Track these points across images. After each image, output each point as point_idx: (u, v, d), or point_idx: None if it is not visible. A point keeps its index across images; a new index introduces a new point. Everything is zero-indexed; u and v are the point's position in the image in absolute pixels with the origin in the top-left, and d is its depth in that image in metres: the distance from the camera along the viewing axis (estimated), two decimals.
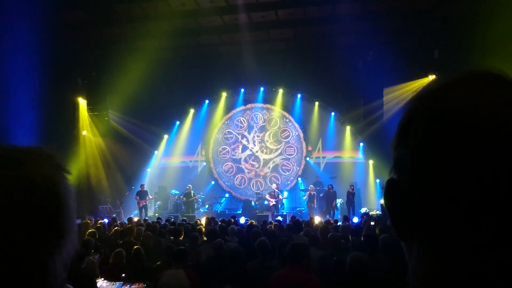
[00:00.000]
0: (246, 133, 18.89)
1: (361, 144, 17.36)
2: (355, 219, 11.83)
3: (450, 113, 0.48)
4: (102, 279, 4.71)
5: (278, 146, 18.61)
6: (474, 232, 0.45)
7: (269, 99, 18.63)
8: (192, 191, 16.03)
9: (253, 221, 10.78)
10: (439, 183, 0.47)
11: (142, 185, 16.01)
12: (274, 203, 15.34)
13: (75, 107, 16.22)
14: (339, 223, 9.67)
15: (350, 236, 7.28)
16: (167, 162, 18.96)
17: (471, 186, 0.45)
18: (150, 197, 16.12)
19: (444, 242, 0.48)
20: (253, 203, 16.89)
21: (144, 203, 15.50)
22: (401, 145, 0.53)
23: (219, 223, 9.91)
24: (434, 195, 0.48)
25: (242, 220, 12.03)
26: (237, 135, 18.92)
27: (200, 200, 16.74)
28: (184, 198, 15.94)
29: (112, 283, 4.60)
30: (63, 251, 0.66)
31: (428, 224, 0.49)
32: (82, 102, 16.32)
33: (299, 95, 18.09)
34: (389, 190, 0.55)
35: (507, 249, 0.45)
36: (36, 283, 0.62)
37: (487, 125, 0.46)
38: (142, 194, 15.59)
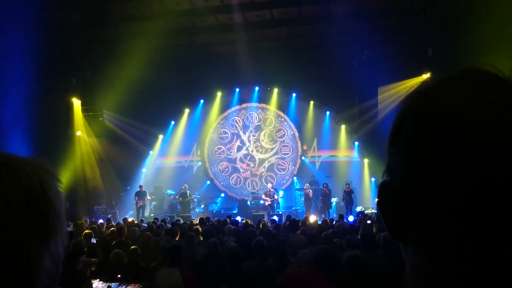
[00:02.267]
0: (241, 133, 18.88)
1: (356, 143, 17.40)
2: (351, 218, 11.86)
3: (444, 113, 0.48)
4: (98, 280, 4.69)
5: (274, 146, 18.61)
6: (470, 233, 0.45)
7: (264, 99, 18.62)
8: (188, 191, 16.02)
9: (249, 221, 10.78)
10: (433, 184, 0.47)
11: (140, 186, 15.99)
12: (270, 202, 15.34)
13: (69, 107, 16.15)
14: (334, 222, 9.70)
15: (345, 234, 7.29)
16: (162, 162, 18.91)
17: (467, 187, 0.45)
18: (149, 197, 16.10)
19: (439, 243, 0.47)
20: (248, 202, 16.88)
21: (142, 204, 15.49)
22: (394, 146, 0.53)
23: (213, 222, 9.91)
24: (429, 196, 0.47)
25: (238, 219, 12.03)
26: (232, 135, 18.91)
27: (195, 200, 16.72)
28: (180, 198, 15.92)
29: (108, 284, 4.58)
30: (52, 249, 0.69)
31: (422, 225, 0.49)
32: (76, 102, 16.24)
33: (294, 95, 18.09)
34: (382, 192, 0.54)
35: (503, 249, 0.44)
36: (25, 279, 0.65)
37: (482, 124, 0.45)
38: (140, 195, 15.59)
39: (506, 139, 0.45)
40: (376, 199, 0.55)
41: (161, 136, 18.60)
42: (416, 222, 0.50)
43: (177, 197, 16.35)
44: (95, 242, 7.56)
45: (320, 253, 3.90)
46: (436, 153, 0.47)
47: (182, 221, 11.23)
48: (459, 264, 0.46)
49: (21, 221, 0.65)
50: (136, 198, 15.56)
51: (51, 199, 0.70)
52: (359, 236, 6.12)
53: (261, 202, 15.92)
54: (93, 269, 5.63)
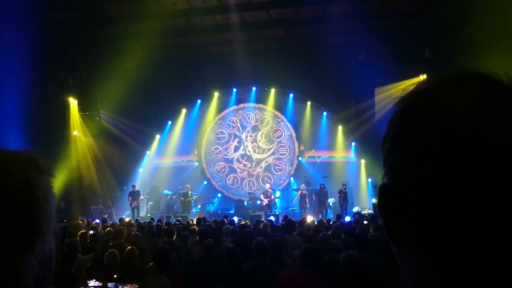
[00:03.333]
0: (238, 133, 18.88)
1: (353, 144, 17.43)
2: (347, 218, 11.87)
3: (445, 115, 0.48)
4: (94, 280, 4.67)
5: (271, 146, 18.62)
6: (471, 234, 0.45)
7: (261, 99, 18.62)
8: (189, 191, 16.01)
9: (247, 222, 10.76)
10: (435, 185, 0.47)
11: (133, 186, 15.93)
12: (267, 202, 15.34)
13: (66, 107, 16.09)
14: (331, 223, 9.70)
15: (342, 235, 7.29)
16: (159, 162, 18.88)
17: (468, 188, 0.45)
18: (142, 197, 16.05)
19: (440, 244, 0.48)
20: (245, 203, 16.88)
21: (136, 204, 15.43)
22: (395, 149, 0.53)
23: (210, 222, 9.90)
24: (430, 198, 0.48)
25: (235, 220, 12.02)
26: (229, 135, 18.90)
27: (192, 201, 16.71)
28: (182, 198, 15.91)
29: (104, 283, 4.56)
30: (39, 251, 0.66)
31: (424, 227, 0.49)
32: (73, 102, 16.18)
33: (291, 95, 18.11)
34: (383, 195, 0.54)
35: (504, 251, 0.45)
36: (7, 281, 0.62)
37: (483, 126, 0.46)
38: (134, 195, 15.51)
39: (506, 140, 0.45)
40: (376, 202, 0.55)
41: (158, 136, 18.58)
42: (418, 224, 0.50)
43: (174, 197, 16.34)
44: (92, 233, 7.55)
45: (305, 252, 3.87)
46: (437, 154, 0.47)
47: (181, 220, 11.25)
48: (459, 265, 0.46)
49: (3, 224, 0.62)
50: (130, 198, 15.49)
51: (38, 199, 0.66)
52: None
53: (258, 202, 15.92)
54: (88, 265, 5.61)
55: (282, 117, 18.59)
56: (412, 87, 0.55)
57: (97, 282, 4.58)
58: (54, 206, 0.70)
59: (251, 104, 18.81)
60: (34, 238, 0.65)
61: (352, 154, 17.62)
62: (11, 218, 0.63)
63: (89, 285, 4.38)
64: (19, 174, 0.65)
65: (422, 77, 13.69)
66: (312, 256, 3.82)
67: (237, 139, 18.83)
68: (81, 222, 10.61)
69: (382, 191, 0.55)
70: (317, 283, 3.72)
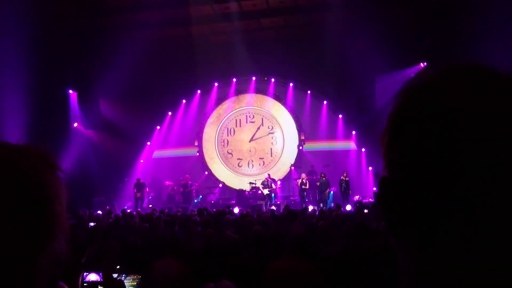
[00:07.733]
0: (239, 123, 18.84)
1: (354, 132, 17.41)
2: (348, 207, 11.91)
3: (446, 114, 0.48)
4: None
5: (271, 135, 18.58)
6: (472, 229, 0.45)
7: (261, 89, 18.56)
8: (189, 181, 16.06)
9: (248, 211, 10.80)
10: (439, 183, 0.47)
11: (138, 179, 15.96)
12: (267, 192, 15.39)
13: (65, 99, 16.08)
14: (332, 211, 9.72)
15: (343, 224, 7.32)
16: (160, 153, 18.90)
17: (471, 184, 0.45)
18: (148, 189, 16.12)
19: (440, 239, 0.48)
20: (247, 192, 16.91)
21: (140, 195, 15.51)
22: (396, 144, 0.53)
23: (211, 212, 9.94)
24: (432, 193, 0.48)
25: (236, 210, 12.06)
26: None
27: (193, 191, 16.76)
28: (181, 189, 15.98)
29: (107, 275, 4.59)
30: (49, 251, 0.65)
31: (423, 222, 0.49)
32: (72, 94, 16.17)
33: (291, 84, 18.06)
34: (383, 188, 0.54)
35: (506, 247, 0.44)
36: (19, 283, 0.61)
37: (485, 124, 0.46)
38: (139, 187, 15.60)
39: (506, 134, 0.45)
40: (377, 195, 0.55)
41: (158, 127, 18.57)
42: (416, 216, 0.50)
43: (175, 187, 16.39)
44: (93, 225, 7.60)
45: (294, 240, 3.92)
46: (436, 148, 0.47)
47: (181, 211, 11.30)
48: (458, 257, 0.46)
49: (17, 224, 0.61)
50: (135, 190, 15.60)
51: (51, 200, 0.65)
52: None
53: (259, 192, 15.97)
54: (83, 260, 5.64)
55: (283, 106, 18.54)
56: (411, 80, 0.55)
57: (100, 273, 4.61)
58: (66, 204, 0.69)
59: (251, 94, 18.74)
60: (46, 240, 0.64)
61: (352, 143, 17.60)
62: (24, 220, 0.61)
63: (91, 276, 4.41)
64: (32, 173, 0.64)
65: (423, 64, 13.67)
66: (301, 244, 3.87)
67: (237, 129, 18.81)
68: (83, 214, 10.65)
69: (382, 184, 0.55)
70: (305, 268, 3.75)
